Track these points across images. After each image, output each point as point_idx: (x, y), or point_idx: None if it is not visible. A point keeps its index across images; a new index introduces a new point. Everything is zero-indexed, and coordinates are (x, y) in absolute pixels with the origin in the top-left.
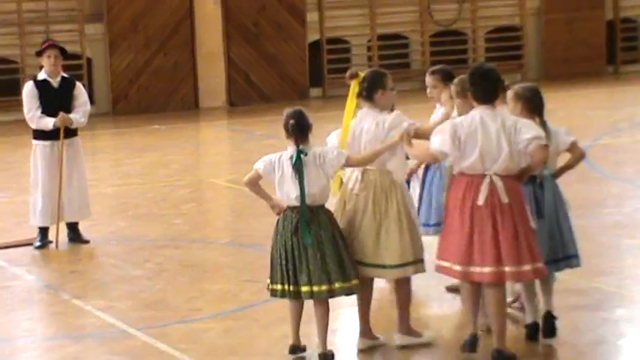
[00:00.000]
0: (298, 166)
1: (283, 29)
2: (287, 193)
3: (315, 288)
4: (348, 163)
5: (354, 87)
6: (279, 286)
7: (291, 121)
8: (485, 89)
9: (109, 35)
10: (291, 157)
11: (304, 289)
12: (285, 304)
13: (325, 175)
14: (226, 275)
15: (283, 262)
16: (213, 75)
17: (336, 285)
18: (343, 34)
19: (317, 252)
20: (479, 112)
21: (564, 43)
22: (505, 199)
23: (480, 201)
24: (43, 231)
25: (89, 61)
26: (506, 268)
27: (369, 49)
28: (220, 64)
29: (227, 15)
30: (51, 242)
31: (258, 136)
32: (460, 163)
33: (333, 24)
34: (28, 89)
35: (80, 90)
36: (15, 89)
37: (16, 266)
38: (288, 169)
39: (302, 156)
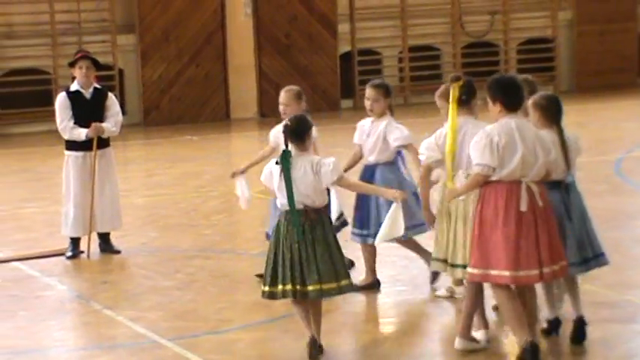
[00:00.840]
0: (283, 164)
1: (314, 41)
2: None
3: (325, 286)
4: (340, 182)
5: (454, 90)
6: (279, 287)
7: (286, 123)
8: (517, 98)
9: (140, 46)
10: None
11: (312, 288)
12: None
13: (321, 183)
14: (257, 286)
15: (287, 264)
16: (244, 87)
17: (343, 282)
18: (374, 46)
19: (325, 252)
20: (513, 120)
21: (597, 55)
22: (540, 203)
23: (523, 207)
24: (75, 241)
25: (121, 71)
26: (546, 269)
27: (400, 60)
28: (252, 76)
29: (258, 26)
30: (82, 252)
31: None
32: (498, 171)
33: (364, 35)
34: (61, 100)
35: (112, 100)
36: (48, 100)
37: (48, 276)
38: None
39: (288, 157)
